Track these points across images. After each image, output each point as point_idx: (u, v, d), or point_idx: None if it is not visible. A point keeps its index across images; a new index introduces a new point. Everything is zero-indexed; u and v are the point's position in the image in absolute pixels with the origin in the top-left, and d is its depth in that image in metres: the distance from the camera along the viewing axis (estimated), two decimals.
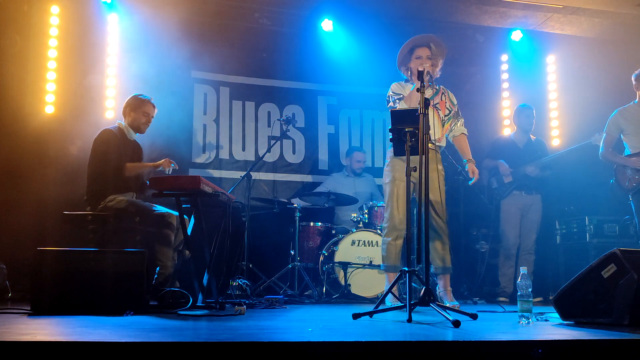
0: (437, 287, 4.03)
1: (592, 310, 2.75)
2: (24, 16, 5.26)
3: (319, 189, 5.69)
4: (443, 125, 4.11)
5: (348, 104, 6.46)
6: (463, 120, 4.26)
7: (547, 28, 6.00)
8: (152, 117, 4.27)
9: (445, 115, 4.13)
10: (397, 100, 4.04)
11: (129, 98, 4.24)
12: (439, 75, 4.12)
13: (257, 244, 5.19)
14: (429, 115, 3.76)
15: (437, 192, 3.90)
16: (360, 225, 5.08)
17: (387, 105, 4.13)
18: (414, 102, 3.89)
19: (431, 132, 3.92)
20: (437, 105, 4.10)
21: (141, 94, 4.26)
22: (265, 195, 5.90)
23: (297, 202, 5.31)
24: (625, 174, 4.53)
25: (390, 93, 4.12)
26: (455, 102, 4.24)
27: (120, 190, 3.96)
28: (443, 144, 4.15)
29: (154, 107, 4.25)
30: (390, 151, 4.06)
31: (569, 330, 2.49)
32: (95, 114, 5.30)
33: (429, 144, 3.89)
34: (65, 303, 3.13)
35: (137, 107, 4.18)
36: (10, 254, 4.60)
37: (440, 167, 4.05)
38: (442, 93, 4.17)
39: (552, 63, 6.32)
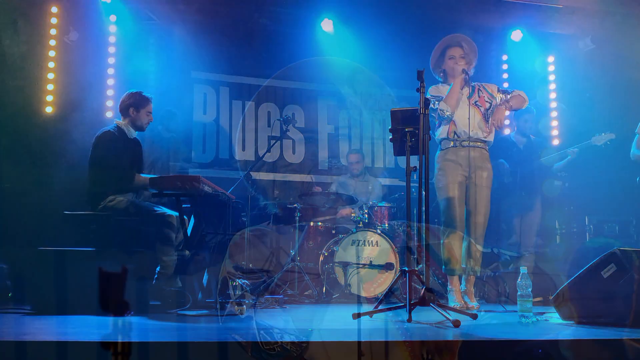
0: (460, 287, 4.02)
1: (592, 310, 2.75)
2: (24, 16, 5.26)
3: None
4: (488, 120, 4.08)
5: (348, 104, 6.45)
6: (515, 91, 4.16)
7: (547, 28, 6.00)
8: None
9: (487, 109, 4.10)
10: (437, 102, 4.04)
11: (127, 96, 4.14)
12: (472, 73, 4.10)
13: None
14: (470, 115, 3.92)
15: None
16: (361, 225, 5.08)
17: (433, 108, 4.05)
18: (455, 100, 3.96)
19: (476, 131, 3.97)
20: (477, 103, 4.08)
21: (140, 91, 4.17)
22: (264, 195, 5.89)
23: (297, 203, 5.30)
24: None
25: (429, 97, 4.03)
26: (494, 89, 4.19)
27: (120, 190, 3.95)
28: (491, 139, 4.13)
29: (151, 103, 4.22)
30: (439, 155, 4.06)
31: (569, 330, 2.49)
32: (95, 114, 5.29)
33: (477, 143, 4.00)
34: (65, 303, 3.13)
35: (141, 106, 4.12)
36: (10, 254, 4.60)
37: (489, 165, 4.09)
38: (478, 89, 4.14)
39: (552, 63, 6.32)
